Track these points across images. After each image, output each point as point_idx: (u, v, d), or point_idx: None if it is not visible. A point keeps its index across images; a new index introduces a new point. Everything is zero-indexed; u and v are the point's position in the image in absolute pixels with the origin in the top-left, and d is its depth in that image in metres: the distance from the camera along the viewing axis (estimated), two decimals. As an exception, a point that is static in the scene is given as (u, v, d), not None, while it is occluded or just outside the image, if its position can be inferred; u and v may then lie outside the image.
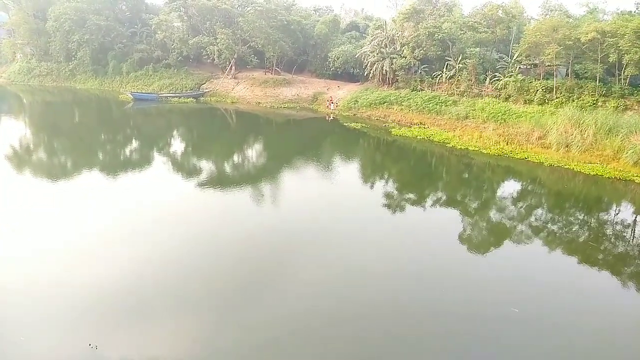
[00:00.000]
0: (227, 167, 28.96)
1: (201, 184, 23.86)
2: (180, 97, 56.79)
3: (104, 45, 64.52)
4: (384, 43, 51.63)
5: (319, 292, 13.99)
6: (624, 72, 35.85)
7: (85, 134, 37.87)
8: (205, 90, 59.67)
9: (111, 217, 18.86)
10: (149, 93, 57.89)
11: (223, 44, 58.31)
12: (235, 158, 31.67)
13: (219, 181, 24.94)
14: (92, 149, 32.27)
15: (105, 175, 25.18)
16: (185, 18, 63.17)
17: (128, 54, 64.65)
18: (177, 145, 35.10)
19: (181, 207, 20.43)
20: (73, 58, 66.33)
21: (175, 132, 41.29)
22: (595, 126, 31.50)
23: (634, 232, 20.81)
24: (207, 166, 28.19)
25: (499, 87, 42.43)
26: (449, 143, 35.33)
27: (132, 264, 15.14)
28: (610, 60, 35.97)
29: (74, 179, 24.58)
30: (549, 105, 38.49)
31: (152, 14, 66.52)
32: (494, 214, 22.15)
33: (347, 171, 29.21)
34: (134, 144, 35.78)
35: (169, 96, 56.92)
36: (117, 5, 64.57)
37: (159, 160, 29.59)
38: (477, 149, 33.57)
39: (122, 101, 54.48)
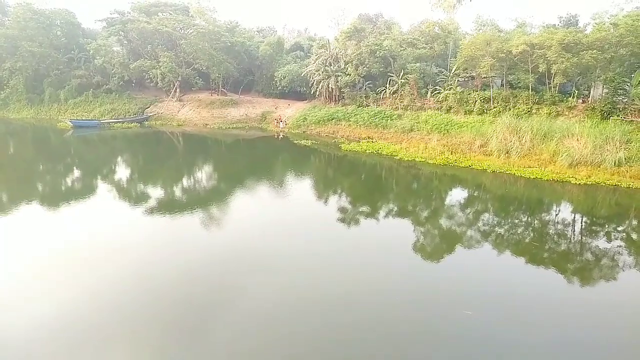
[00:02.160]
0: (176, 192, 28.06)
1: (148, 212, 22.92)
2: (123, 122, 55.03)
3: (39, 72, 61.76)
4: (328, 61, 52.49)
5: (272, 322, 13.60)
6: (553, 80, 38.20)
7: (21, 165, 35.69)
8: (149, 114, 58.21)
9: (50, 252, 17.68)
10: (89, 120, 55.70)
11: (166, 67, 57.30)
12: (184, 182, 30.81)
13: (167, 207, 24.08)
14: (29, 181, 30.38)
15: (44, 207, 23.69)
16: (125, 42, 61.69)
17: (65, 80, 62.14)
18: (122, 172, 33.74)
19: (126, 237, 19.46)
20: (5, 87, 62.93)
21: (119, 159, 39.74)
22: (531, 132, 33.19)
23: (574, 229, 21.90)
24: (154, 192, 27.18)
25: (440, 99, 44.02)
26: (396, 155, 36.07)
27: (71, 299, 14.18)
28: (540, 70, 38.26)
29: (9, 213, 22.95)
30: (488, 114, 40.26)
31: (89, 38, 64.45)
32: (444, 222, 22.63)
33: (300, 188, 29.08)
34: (76, 173, 34.06)
35: (112, 122, 55.01)
36: (51, 31, 62.11)
37: (103, 189, 28.27)
38: (423, 159, 34.46)
39: (61, 129, 52.06)
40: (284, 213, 23.25)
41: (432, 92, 45.43)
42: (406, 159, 35.08)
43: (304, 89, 58.09)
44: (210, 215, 22.65)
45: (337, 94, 51.68)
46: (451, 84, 44.35)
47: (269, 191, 27.91)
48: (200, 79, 60.21)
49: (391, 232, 21.20)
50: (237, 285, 15.18)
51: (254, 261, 17.05)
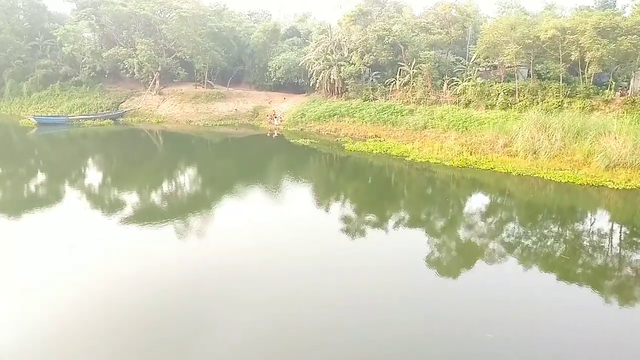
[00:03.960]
0: (155, 200, 28.05)
1: (123, 222, 22.87)
2: (95, 118, 55.19)
3: (-2, 61, 62.00)
4: (329, 49, 52.64)
5: (269, 342, 13.59)
6: (588, 70, 38.26)
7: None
8: (124, 110, 58.40)
9: (5, 270, 17.67)
10: (56, 116, 55.85)
11: (144, 56, 57.49)
12: (164, 188, 30.81)
13: (145, 217, 24.04)
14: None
15: (3, 216, 23.71)
16: (97, 27, 61.94)
17: (29, 71, 62.37)
18: (93, 177, 33.75)
19: (97, 252, 19.39)
20: (-42, 79, 63.25)
21: (90, 161, 39.80)
22: (562, 130, 33.20)
23: (612, 241, 21.86)
24: (130, 200, 27.14)
25: (458, 92, 44.12)
26: (407, 156, 36.11)
27: (24, 323, 14.16)
28: (573, 59, 38.32)
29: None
30: (513, 109, 40.33)
31: (56, 22, 64.62)
32: (462, 233, 22.59)
33: (297, 195, 29.08)
34: (39, 178, 34.09)
35: (82, 118, 55.15)
36: (13, 15, 62.41)
37: (71, 197, 28.25)
38: (438, 161, 34.49)
39: (24, 127, 52.17)
40: (278, 224, 23.20)
41: (448, 84, 45.53)
42: (419, 160, 35.11)
43: (302, 80, 58.24)
44: (194, 228, 22.61)
45: (340, 86, 51.79)
46: (470, 75, 44.44)
47: (261, 199, 27.91)
48: (183, 70, 60.43)
49: (402, 245, 21.17)
50: (221, 310, 15.12)
51: (243, 282, 16.98)
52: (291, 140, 45.34)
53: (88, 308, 14.98)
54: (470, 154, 34.79)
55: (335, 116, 49.07)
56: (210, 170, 36.27)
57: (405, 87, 47.84)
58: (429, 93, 46.18)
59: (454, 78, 45.66)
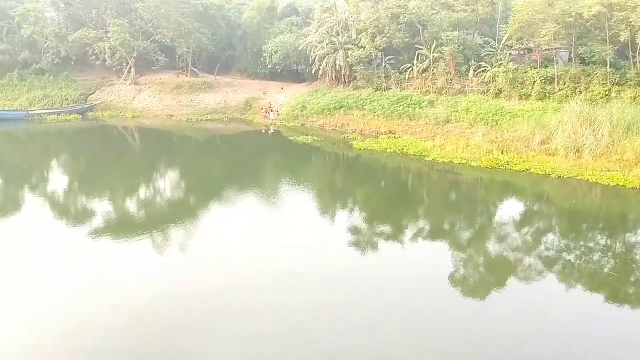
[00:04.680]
0: (131, 209, 28.04)
1: (92, 235, 22.84)
2: (59, 113, 55.23)
3: (-56, 47, 62.18)
4: (334, 30, 52.71)
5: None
6: None
7: None
8: (94, 103, 58.54)
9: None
10: (14, 110, 55.91)
11: (116, 39, 57.60)
12: (141, 195, 30.81)
13: (118, 229, 23.99)
14: None
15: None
16: (61, 6, 62.21)
17: (-19, 58, 62.50)
18: (57, 182, 33.75)
19: (62, 269, 19.38)
20: None
21: (53, 163, 39.87)
22: (610, 123, 33.08)
23: (670, 255, 21.75)
24: (100, 209, 27.05)
25: (487, 80, 44.06)
26: (427, 156, 36.06)
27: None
28: (622, 40, 38.21)
29: None
30: (551, 99, 40.25)
31: (13, 1, 64.72)
32: (492, 245, 22.51)
33: (298, 202, 29.01)
34: (-5, 181, 34.19)
35: (44, 113, 55.21)
36: (-38, -8, 62.72)
37: (31, 204, 28.26)
38: (464, 161, 34.42)
39: (-24, 123, 52.33)
40: (276, 238, 23.06)
41: (475, 70, 45.47)
42: (441, 160, 35.05)
43: (302, 67, 58.28)
44: (176, 243, 22.51)
45: (347, 73, 51.80)
46: (501, 59, 44.39)
47: (255, 208, 27.83)
48: (163, 55, 60.49)
49: (421, 260, 21.09)
50: (204, 341, 15.10)
51: (233, 312, 16.96)
52: (290, 138, 45.36)
53: (42, 345, 14.98)
54: (502, 153, 34.69)
55: (342, 109, 49.05)
56: (195, 173, 36.24)
57: (424, 74, 47.78)
58: (452, 81, 46.12)
59: (481, 63, 45.59)
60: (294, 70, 59.83)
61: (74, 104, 58.18)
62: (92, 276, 18.68)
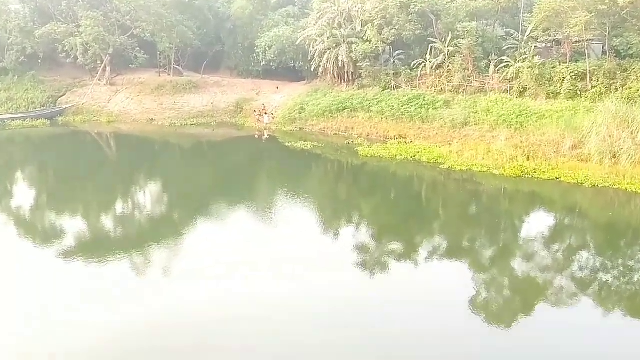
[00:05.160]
0: (104, 227, 27.99)
1: (62, 255, 22.81)
2: (25, 118, 55.23)
3: None
4: (336, 22, 52.82)
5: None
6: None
7: None
8: (64, 106, 58.60)
9: None
10: (-28, 116, 56.06)
11: (90, 34, 57.71)
12: (117, 211, 30.76)
13: (92, 249, 23.98)
14: None
15: None
16: (27, -2, 62.42)
17: (-64, 56, 62.71)
18: (23, 196, 33.77)
19: (28, 293, 19.42)
20: None
21: (18, 175, 39.84)
22: (651, 125, 33.14)
23: None
24: (71, 227, 27.07)
25: (509, 76, 44.05)
26: (443, 163, 36.01)
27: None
28: (662, 30, 38.26)
29: None
30: (583, 98, 40.20)
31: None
32: (518, 265, 22.43)
33: (296, 217, 28.93)
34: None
35: (7, 118, 55.20)
36: None
37: (-6, 220, 28.34)
38: (485, 169, 34.36)
39: None
40: (271, 259, 22.96)
41: (496, 66, 45.48)
42: (458, 168, 35.01)
43: (300, 64, 58.42)
44: (156, 266, 22.47)
45: (352, 70, 51.84)
46: (526, 53, 44.41)
47: (247, 225, 27.77)
48: (143, 52, 60.59)
49: (437, 283, 20.99)
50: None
51: (222, 335, 16.91)
52: (287, 144, 45.31)
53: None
54: (528, 159, 34.63)
55: (346, 110, 49.06)
56: (179, 187, 36.09)
57: (438, 71, 47.78)
58: (470, 78, 46.12)
59: (503, 58, 45.60)
60: (291, 68, 59.96)
61: (42, 108, 58.17)
62: (61, 305, 18.65)
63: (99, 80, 61.02)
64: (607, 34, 41.40)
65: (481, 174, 34.08)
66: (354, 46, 50.59)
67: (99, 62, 60.54)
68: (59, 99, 60.21)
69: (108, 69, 60.76)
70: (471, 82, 46.01)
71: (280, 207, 30.99)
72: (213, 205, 31.39)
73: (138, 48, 60.57)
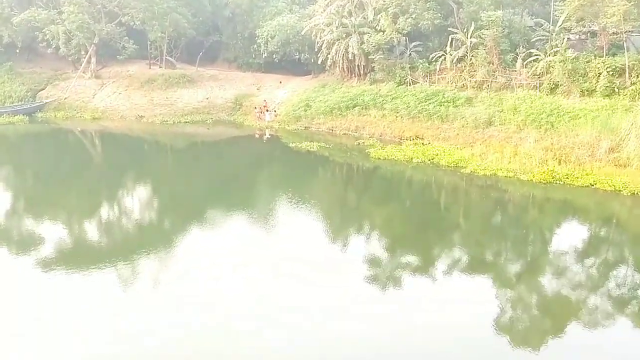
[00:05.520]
0: (88, 236, 28.03)
1: (42, 266, 22.87)
2: (1, 114, 55.46)
3: None
4: (346, 10, 52.84)
5: None
6: None
7: None
8: (45, 101, 58.92)
9: None
10: (-57, 111, 56.32)
11: (73, 22, 57.87)
12: (103, 215, 30.83)
13: (74, 260, 23.99)
14: None
15: None
16: (5, -19, 62.66)
17: None
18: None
19: (6, 309, 19.49)
20: None
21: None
22: (697, 126, 33.03)
23: None
24: (52, 235, 27.11)
25: (539, 71, 43.96)
26: (464, 167, 35.95)
27: None
28: None
29: None
30: (621, 96, 40.05)
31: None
32: (548, 282, 22.30)
33: (301, 227, 28.90)
34: None
35: (-19, 114, 55.59)
36: None
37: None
38: (511, 174, 34.23)
39: None
40: (273, 274, 23.00)
41: (524, 60, 45.43)
42: (481, 173, 34.92)
43: (306, 56, 58.37)
44: (145, 280, 22.51)
45: (363, 63, 51.87)
46: (557, 46, 44.29)
47: (247, 235, 27.67)
48: (132, 42, 60.77)
49: (457, 301, 20.88)
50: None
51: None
52: (290, 145, 45.28)
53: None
54: (559, 163, 34.56)
55: (356, 108, 49.11)
56: (170, 192, 36.04)
57: (459, 65, 47.77)
58: (496, 73, 46.04)
59: (532, 51, 45.55)
60: (295, 60, 59.92)
61: (20, 103, 58.50)
62: (38, 310, 18.69)
63: (83, 72, 61.19)
64: (648, 24, 41.37)
65: (507, 179, 34.00)
66: (365, 37, 50.62)
67: (83, 52, 60.76)
68: (39, 92, 60.50)
69: (93, 60, 60.94)
70: (496, 77, 45.91)
71: (283, 217, 30.89)
72: (208, 213, 31.36)
73: (126, 37, 60.77)
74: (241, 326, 18.54)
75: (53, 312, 19.28)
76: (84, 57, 60.93)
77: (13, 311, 19.31)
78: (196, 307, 19.74)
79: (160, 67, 62.01)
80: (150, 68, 62.10)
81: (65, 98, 59.32)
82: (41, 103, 58.61)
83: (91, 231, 28.79)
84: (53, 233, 27.74)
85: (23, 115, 55.93)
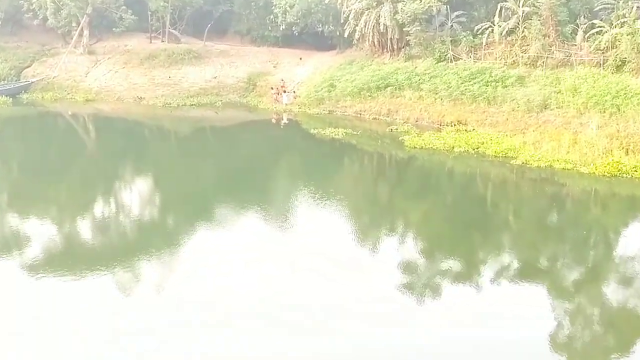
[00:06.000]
0: (82, 232, 28.16)
1: (29, 269, 23.05)
2: (-18, 95, 56.06)
3: None
4: (378, -26, 52.69)
5: None
6: None
7: None
8: (31, 80, 59.29)
9: None
10: None
11: (64, -9, 58.33)
12: (100, 213, 30.98)
13: (65, 262, 24.14)
14: None
15: None
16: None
17: None
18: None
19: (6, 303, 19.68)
20: None
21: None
22: None
23: None
24: (41, 233, 27.32)
25: (603, 46, 43.52)
26: (515, 158, 35.71)
27: None
28: None
29: None
30: (701, 75, 39.69)
31: None
32: (613, 292, 22.09)
33: (325, 226, 28.83)
34: None
35: (-40, 95, 56.11)
36: None
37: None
38: (570, 165, 33.95)
39: None
40: (293, 281, 22.99)
41: (586, 32, 45.01)
42: (535, 164, 34.64)
43: (331, 28, 58.20)
44: (148, 288, 22.58)
45: (397, 37, 51.63)
46: (625, 16, 43.83)
47: (263, 236, 27.58)
48: (130, 12, 60.98)
49: (507, 314, 20.74)
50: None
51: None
52: (312, 131, 45.24)
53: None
54: (626, 154, 34.24)
55: (389, 89, 48.99)
56: (175, 186, 36.06)
57: (509, 38, 47.43)
58: (552, 47, 45.62)
59: (595, 21, 45.11)
60: (318, 34, 59.78)
61: (2, 83, 58.86)
62: (26, 318, 18.80)
63: (74, 47, 61.49)
64: None
65: (565, 172, 33.73)
66: (400, 5, 50.39)
67: (74, 24, 61.05)
68: (24, 70, 60.96)
69: (86, 33, 61.20)
70: (552, 52, 45.50)
71: (303, 215, 30.84)
72: (217, 209, 31.37)
73: (124, 7, 61.08)
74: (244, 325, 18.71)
75: (52, 312, 19.50)
76: (76, 30, 61.20)
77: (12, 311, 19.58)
78: (197, 306, 19.91)
79: (162, 41, 62.17)
80: (151, 42, 62.32)
81: (54, 77, 59.63)
82: (27, 83, 58.95)
83: (85, 229, 28.83)
84: (40, 231, 27.88)
85: (6, 96, 56.10)
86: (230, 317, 19.87)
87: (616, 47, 43.03)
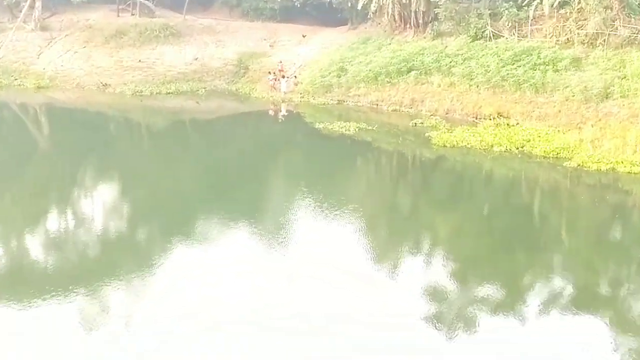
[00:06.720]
0: (32, 252, 28.38)
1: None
2: None
3: None
4: None
5: None
6: None
7: None
8: (-28, 63, 59.53)
9: None
10: None
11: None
12: (52, 226, 31.12)
13: (18, 283, 24.37)
14: None
15: None
16: None
17: None
18: None
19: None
20: None
21: None
22: None
23: None
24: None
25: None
26: (569, 159, 35.76)
27: None
28: None
29: None
30: None
31: None
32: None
33: (333, 242, 28.89)
34: None
35: None
36: None
37: None
38: (637, 169, 33.89)
39: None
40: (294, 308, 23.08)
41: (656, 5, 45.14)
42: (594, 166, 34.66)
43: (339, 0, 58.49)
44: (115, 313, 22.71)
45: (423, 9, 51.73)
46: None
47: (255, 253, 27.71)
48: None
49: (558, 351, 20.81)
50: None
51: None
52: (317, 125, 45.32)
53: None
54: None
55: (412, 73, 49.09)
56: (147, 192, 36.27)
57: (562, 11, 47.48)
58: (615, 23, 45.65)
59: (667, -8, 45.29)
60: (325, 5, 60.08)
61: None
62: None
63: (24, 22, 61.86)
64: None
65: (631, 176, 33.75)
66: (426, -27, 50.66)
67: (23, -5, 61.45)
68: (-37, 51, 61.33)
69: (38, 4, 61.54)
70: (616, 28, 45.53)
71: (306, 225, 31.02)
72: (200, 224, 31.45)
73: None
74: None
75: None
76: (25, 1, 61.41)
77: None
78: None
79: (132, 14, 62.57)
80: (118, 16, 62.71)
81: (1, 58, 59.83)
82: (-34, 66, 59.35)
83: (34, 247, 28.99)
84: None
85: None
86: (232, 335, 20.04)
87: (694, 23, 43.22)
